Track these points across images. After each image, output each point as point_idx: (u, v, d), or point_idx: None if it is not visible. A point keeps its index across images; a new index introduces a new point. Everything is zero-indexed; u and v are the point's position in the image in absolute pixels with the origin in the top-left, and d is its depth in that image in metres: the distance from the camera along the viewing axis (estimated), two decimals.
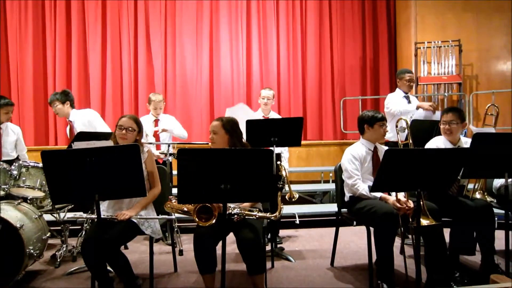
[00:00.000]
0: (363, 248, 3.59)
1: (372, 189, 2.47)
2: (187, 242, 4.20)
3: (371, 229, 2.85)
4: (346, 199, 3.21)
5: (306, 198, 5.76)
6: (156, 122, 4.69)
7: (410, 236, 3.64)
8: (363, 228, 3.01)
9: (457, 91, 6.54)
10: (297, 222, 4.54)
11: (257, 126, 3.48)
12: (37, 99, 6.62)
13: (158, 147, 4.56)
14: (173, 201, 2.77)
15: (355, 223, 3.18)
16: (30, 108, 6.57)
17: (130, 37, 6.79)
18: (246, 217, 2.61)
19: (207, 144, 5.04)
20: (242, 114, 3.52)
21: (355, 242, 4.12)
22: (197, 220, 2.46)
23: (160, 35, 6.84)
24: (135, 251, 3.88)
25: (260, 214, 2.64)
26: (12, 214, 3.05)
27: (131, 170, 2.25)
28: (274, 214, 2.62)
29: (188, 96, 6.84)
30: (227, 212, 2.56)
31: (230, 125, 2.87)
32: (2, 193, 3.31)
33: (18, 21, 6.58)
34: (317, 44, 7.02)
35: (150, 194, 2.88)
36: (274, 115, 4.53)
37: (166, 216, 3.02)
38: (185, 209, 2.69)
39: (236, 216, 2.58)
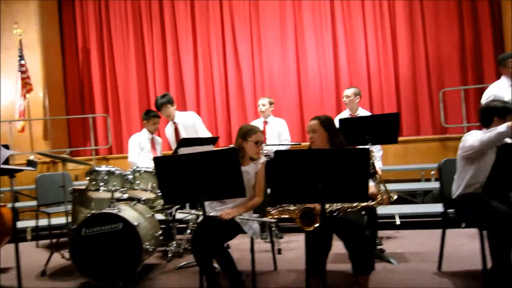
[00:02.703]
0: (474, 252, 3.24)
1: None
2: (285, 241, 4.30)
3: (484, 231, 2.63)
4: (454, 196, 2.97)
5: (406, 197, 5.50)
6: (265, 124, 4.81)
7: None
8: (473, 231, 2.79)
9: None
10: (398, 223, 4.36)
11: (350, 124, 3.43)
12: (142, 109, 7.24)
13: None
14: (272, 211, 2.82)
15: (464, 225, 2.95)
16: (136, 118, 7.19)
17: (218, 42, 7.07)
18: (348, 209, 2.59)
19: (298, 144, 5.13)
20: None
21: (465, 245, 3.78)
22: (301, 225, 2.49)
23: (246, 38, 7.03)
24: (237, 249, 4.07)
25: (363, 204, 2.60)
26: (130, 213, 3.41)
27: (230, 172, 2.40)
28: (376, 201, 2.58)
29: (276, 98, 6.90)
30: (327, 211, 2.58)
31: (328, 122, 2.88)
32: (119, 194, 3.71)
33: (122, 40, 7.26)
34: (408, 34, 6.62)
35: (252, 202, 2.98)
36: (363, 112, 4.42)
37: (266, 219, 3.11)
38: (287, 216, 2.70)
39: (337, 211, 2.58)
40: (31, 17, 6.81)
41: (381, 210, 4.16)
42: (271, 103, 4.91)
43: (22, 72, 6.46)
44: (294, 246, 4.17)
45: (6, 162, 2.93)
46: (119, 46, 7.25)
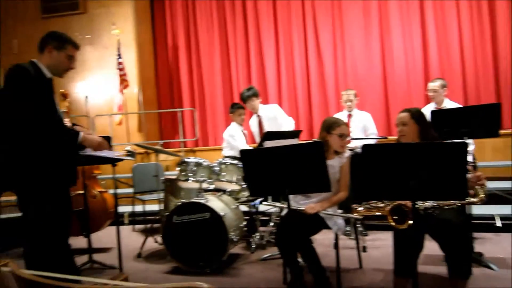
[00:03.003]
0: None
1: None
2: (370, 239, 4.16)
3: None
4: None
5: (507, 197, 4.99)
6: (349, 117, 4.72)
7: None
8: None
9: None
10: (499, 224, 3.98)
11: (444, 117, 3.19)
12: (226, 103, 7.46)
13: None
14: (359, 208, 2.74)
15: None
16: (221, 111, 7.44)
17: (300, 34, 6.99)
18: (445, 207, 2.43)
19: (385, 138, 4.91)
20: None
21: None
22: (392, 223, 2.39)
23: (328, 28, 6.86)
24: (320, 244, 4.02)
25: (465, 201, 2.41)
26: (216, 204, 3.55)
27: (315, 166, 2.37)
28: (478, 199, 2.38)
29: (360, 89, 6.64)
30: (420, 208, 2.43)
31: (419, 115, 2.72)
32: (206, 185, 3.87)
33: (207, 36, 7.50)
34: (509, 17, 5.94)
35: (337, 197, 2.94)
36: (450, 104, 4.10)
37: (351, 215, 3.04)
38: (378, 213, 2.59)
39: (433, 209, 2.42)
40: (127, 18, 7.35)
41: (478, 210, 3.84)
42: (355, 95, 4.77)
43: (120, 70, 7.01)
44: (379, 244, 4.02)
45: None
46: (205, 42, 7.52)
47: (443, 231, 2.38)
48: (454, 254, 2.34)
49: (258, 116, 4.67)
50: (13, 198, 5.55)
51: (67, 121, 4.18)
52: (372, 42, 6.64)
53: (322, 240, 4.10)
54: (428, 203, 2.45)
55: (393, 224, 2.34)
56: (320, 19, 6.92)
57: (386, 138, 4.87)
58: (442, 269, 2.58)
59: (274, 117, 4.58)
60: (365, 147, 2.13)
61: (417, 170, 2.02)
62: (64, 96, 4.35)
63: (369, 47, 6.67)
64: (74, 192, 4.08)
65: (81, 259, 3.88)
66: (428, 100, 5.92)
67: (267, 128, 4.50)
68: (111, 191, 4.45)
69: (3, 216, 5.81)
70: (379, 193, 2.20)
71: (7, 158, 2.51)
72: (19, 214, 2.57)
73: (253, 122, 4.80)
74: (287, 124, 4.59)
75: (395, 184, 2.10)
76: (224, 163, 3.79)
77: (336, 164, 2.93)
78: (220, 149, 5.17)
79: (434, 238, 2.46)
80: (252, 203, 4.17)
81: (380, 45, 6.61)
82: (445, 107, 4.05)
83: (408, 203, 2.28)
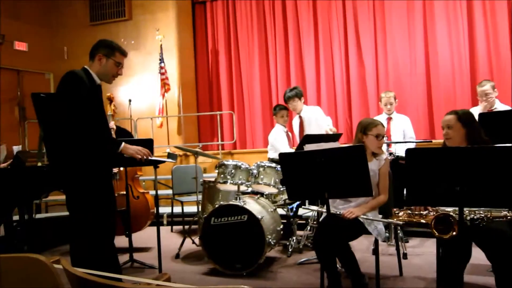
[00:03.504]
0: None
1: None
2: (410, 246, 4.04)
3: None
4: None
5: None
6: (389, 120, 4.60)
7: None
8: None
9: None
10: None
11: (494, 120, 3.05)
12: (265, 106, 7.49)
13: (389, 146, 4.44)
14: (399, 213, 2.67)
15: None
16: (259, 115, 7.47)
17: (340, 35, 6.91)
18: (495, 219, 2.31)
19: (429, 142, 4.74)
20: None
21: None
22: (435, 232, 2.29)
23: (370, 30, 6.73)
24: (358, 250, 3.96)
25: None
26: (254, 206, 3.56)
27: (357, 170, 2.33)
28: None
29: (401, 91, 6.51)
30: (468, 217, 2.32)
31: (466, 117, 2.60)
32: (244, 188, 3.89)
33: (247, 40, 7.57)
34: None
35: (376, 200, 2.87)
36: (502, 106, 3.90)
37: (391, 220, 2.96)
38: (422, 221, 2.50)
39: (479, 220, 2.32)
40: (169, 24, 7.55)
41: None
42: (395, 98, 4.64)
43: (162, 74, 7.20)
44: (421, 251, 3.89)
45: (152, 154, 3.34)
46: (244, 46, 7.59)
47: (493, 242, 2.26)
48: (504, 265, 2.22)
49: (300, 117, 4.61)
50: (60, 197, 5.83)
51: (112, 124, 4.36)
52: (416, 43, 6.45)
53: (360, 246, 4.03)
54: (478, 214, 2.33)
55: (437, 234, 2.24)
56: (362, 19, 6.80)
57: (430, 141, 4.69)
58: (488, 280, 2.46)
59: (316, 119, 4.51)
60: (408, 151, 2.07)
61: (465, 176, 1.94)
62: (110, 100, 4.54)
63: (412, 48, 6.48)
64: (118, 193, 4.23)
65: (122, 258, 4.01)
66: (474, 103, 5.69)
67: (308, 130, 4.45)
68: (152, 192, 4.57)
69: (51, 214, 6.12)
70: (423, 199, 2.13)
71: (57, 158, 2.65)
72: (66, 213, 2.70)
73: (295, 123, 4.75)
74: (326, 126, 4.53)
75: (440, 190, 2.02)
76: (262, 166, 3.80)
77: (374, 167, 2.86)
78: (258, 152, 5.19)
79: (482, 248, 2.35)
80: (290, 207, 4.16)
81: (423, 46, 6.41)
82: (495, 109, 3.86)
83: (454, 213, 2.19)
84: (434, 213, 2.36)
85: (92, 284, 0.83)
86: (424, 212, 2.44)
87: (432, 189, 2.04)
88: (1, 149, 4.80)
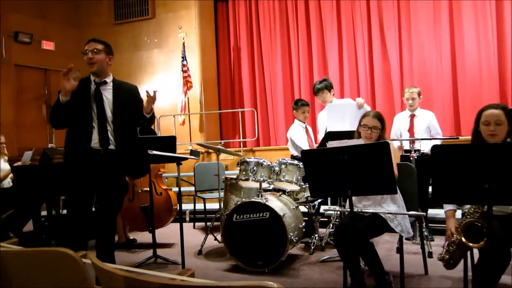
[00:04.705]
0: None
1: None
2: (435, 244, 3.95)
3: None
4: None
5: None
6: (412, 117, 4.47)
7: None
8: None
9: None
10: None
11: None
12: (287, 104, 7.45)
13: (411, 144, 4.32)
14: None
15: None
16: (282, 112, 7.46)
17: (364, 31, 6.81)
18: None
19: (456, 138, 4.61)
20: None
21: None
22: (468, 243, 2.19)
23: (394, 25, 6.62)
24: (381, 248, 3.91)
25: None
26: (276, 204, 3.55)
27: (382, 167, 2.29)
28: None
29: (426, 87, 6.36)
30: None
31: (509, 113, 2.44)
32: (266, 185, 3.89)
33: (269, 37, 7.56)
34: None
35: None
36: None
37: (415, 212, 2.91)
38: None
39: None
40: (192, 22, 7.60)
41: None
42: (419, 94, 4.52)
43: (184, 71, 7.27)
44: None
45: (175, 152, 3.39)
46: (267, 43, 7.58)
47: None
48: None
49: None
50: None
51: None
52: (441, 39, 6.30)
53: (382, 244, 3.97)
54: None
55: (471, 244, 2.16)
56: (386, 16, 6.69)
57: (457, 138, 4.56)
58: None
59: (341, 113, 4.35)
60: (435, 148, 2.02)
61: (494, 173, 1.88)
62: None
63: (438, 44, 6.34)
64: (141, 189, 4.30)
65: (146, 254, 4.08)
66: (504, 99, 5.52)
67: (334, 123, 4.31)
68: (174, 189, 4.62)
69: None
70: (449, 196, 2.08)
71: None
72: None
73: (323, 116, 4.52)
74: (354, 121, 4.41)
75: (468, 188, 1.96)
76: (284, 163, 3.78)
77: None
78: (280, 149, 5.17)
79: None
80: (312, 204, 4.13)
81: (449, 42, 6.26)
82: None
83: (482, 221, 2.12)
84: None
85: (121, 278, 0.85)
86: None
87: (459, 187, 1.99)
88: (27, 155, 4.97)
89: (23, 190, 4.28)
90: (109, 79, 3.07)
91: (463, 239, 2.19)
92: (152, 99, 3.07)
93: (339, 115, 4.09)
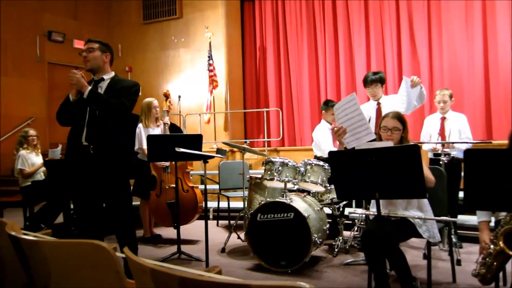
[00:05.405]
0: None
1: None
2: (464, 252, 3.85)
3: None
4: None
5: None
6: (443, 120, 4.34)
7: None
8: None
9: None
10: None
11: None
12: (313, 104, 7.41)
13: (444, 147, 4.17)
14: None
15: None
16: (307, 112, 7.42)
17: (393, 31, 6.72)
18: None
19: (489, 143, 4.48)
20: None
21: None
22: (507, 249, 2.11)
23: (425, 25, 6.50)
24: (406, 253, 3.82)
25: None
26: (300, 204, 3.53)
27: (411, 170, 2.24)
28: None
29: (458, 90, 6.19)
30: None
31: None
32: (290, 185, 3.87)
33: (296, 38, 7.55)
34: None
35: None
36: None
37: (445, 218, 2.83)
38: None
39: None
40: (218, 21, 7.66)
41: None
42: (451, 96, 4.39)
43: (210, 71, 7.33)
44: (476, 258, 3.68)
45: (201, 150, 3.43)
46: (293, 43, 7.56)
47: None
48: None
49: (379, 103, 4.20)
50: None
51: (167, 120, 4.48)
52: (474, 40, 6.15)
53: (409, 250, 3.89)
54: None
55: (510, 252, 2.09)
56: (416, 16, 6.58)
57: (490, 142, 4.41)
58: None
59: (392, 107, 4.15)
60: (467, 152, 1.96)
61: None
62: (166, 96, 4.66)
63: (470, 45, 6.19)
64: (169, 185, 4.36)
65: (170, 249, 4.13)
66: None
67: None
68: (201, 186, 4.66)
69: None
70: (482, 203, 2.02)
71: None
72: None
73: (369, 110, 4.20)
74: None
75: (504, 194, 1.90)
76: (310, 164, 3.76)
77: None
78: (305, 150, 5.14)
79: None
80: (336, 206, 4.09)
81: (482, 44, 6.10)
82: None
83: None
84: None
85: (155, 272, 0.86)
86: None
87: (495, 193, 1.93)
88: (52, 152, 5.13)
89: (55, 184, 4.41)
90: (106, 76, 3.15)
91: (503, 245, 2.11)
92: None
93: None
